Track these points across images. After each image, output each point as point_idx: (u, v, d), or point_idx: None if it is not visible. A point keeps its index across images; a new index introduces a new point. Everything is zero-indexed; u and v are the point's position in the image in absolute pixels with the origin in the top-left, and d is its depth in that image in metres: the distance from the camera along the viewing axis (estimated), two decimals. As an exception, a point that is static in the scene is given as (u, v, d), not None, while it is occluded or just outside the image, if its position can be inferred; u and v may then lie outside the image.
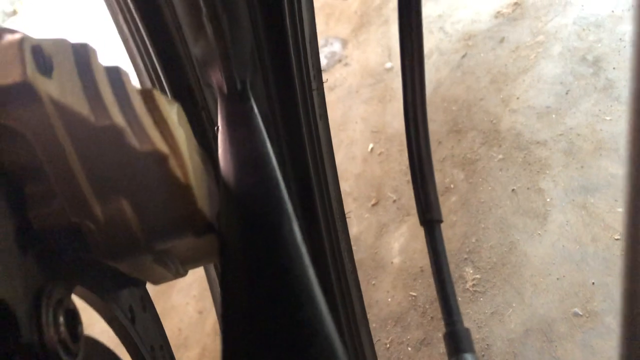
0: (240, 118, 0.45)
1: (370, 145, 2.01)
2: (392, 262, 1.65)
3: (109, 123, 0.30)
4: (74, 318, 0.31)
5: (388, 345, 1.47)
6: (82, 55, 0.31)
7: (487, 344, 1.34)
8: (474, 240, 1.55)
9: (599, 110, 1.63)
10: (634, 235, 0.25)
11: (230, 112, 0.46)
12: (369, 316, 0.84)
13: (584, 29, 1.86)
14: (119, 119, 0.30)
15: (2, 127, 0.27)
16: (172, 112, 0.36)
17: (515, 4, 2.12)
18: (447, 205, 1.67)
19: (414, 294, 1.54)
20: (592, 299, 1.30)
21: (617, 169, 1.48)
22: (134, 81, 0.35)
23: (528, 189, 1.58)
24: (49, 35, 0.30)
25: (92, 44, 0.31)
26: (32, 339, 0.27)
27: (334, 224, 0.75)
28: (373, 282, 1.63)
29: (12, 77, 0.26)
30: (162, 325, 0.49)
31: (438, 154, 1.80)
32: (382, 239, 1.72)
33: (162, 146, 0.32)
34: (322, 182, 0.70)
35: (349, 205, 1.86)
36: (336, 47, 2.54)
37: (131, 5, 0.51)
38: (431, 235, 0.57)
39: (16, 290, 0.27)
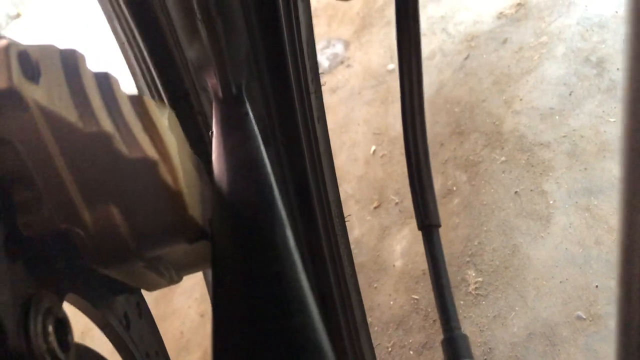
0: (235, 122, 0.45)
1: (373, 148, 2.01)
2: (394, 265, 1.64)
3: (97, 129, 0.30)
4: (64, 327, 0.31)
5: (390, 349, 1.46)
6: (70, 61, 0.31)
7: (490, 348, 1.33)
8: (476, 243, 1.54)
9: (603, 111, 1.62)
10: (630, 239, 0.25)
11: (225, 116, 0.46)
12: (370, 319, 0.83)
13: (587, 30, 1.85)
14: (107, 125, 0.30)
15: None
16: (163, 117, 0.36)
17: (518, 4, 2.11)
18: (450, 207, 1.66)
19: (416, 297, 1.53)
20: (596, 302, 1.28)
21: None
22: (125, 87, 0.35)
23: (531, 191, 1.56)
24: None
25: (81, 49, 0.31)
26: (20, 348, 0.27)
27: (333, 228, 0.74)
28: (375, 285, 1.62)
29: None
30: (158, 331, 0.49)
31: (440, 156, 1.79)
32: (384, 241, 1.71)
33: (151, 152, 0.32)
34: (320, 185, 0.70)
35: (351, 208, 1.85)
36: (338, 48, 2.54)
37: (125, 11, 0.51)
38: (429, 241, 0.56)
39: (4, 299, 0.27)
